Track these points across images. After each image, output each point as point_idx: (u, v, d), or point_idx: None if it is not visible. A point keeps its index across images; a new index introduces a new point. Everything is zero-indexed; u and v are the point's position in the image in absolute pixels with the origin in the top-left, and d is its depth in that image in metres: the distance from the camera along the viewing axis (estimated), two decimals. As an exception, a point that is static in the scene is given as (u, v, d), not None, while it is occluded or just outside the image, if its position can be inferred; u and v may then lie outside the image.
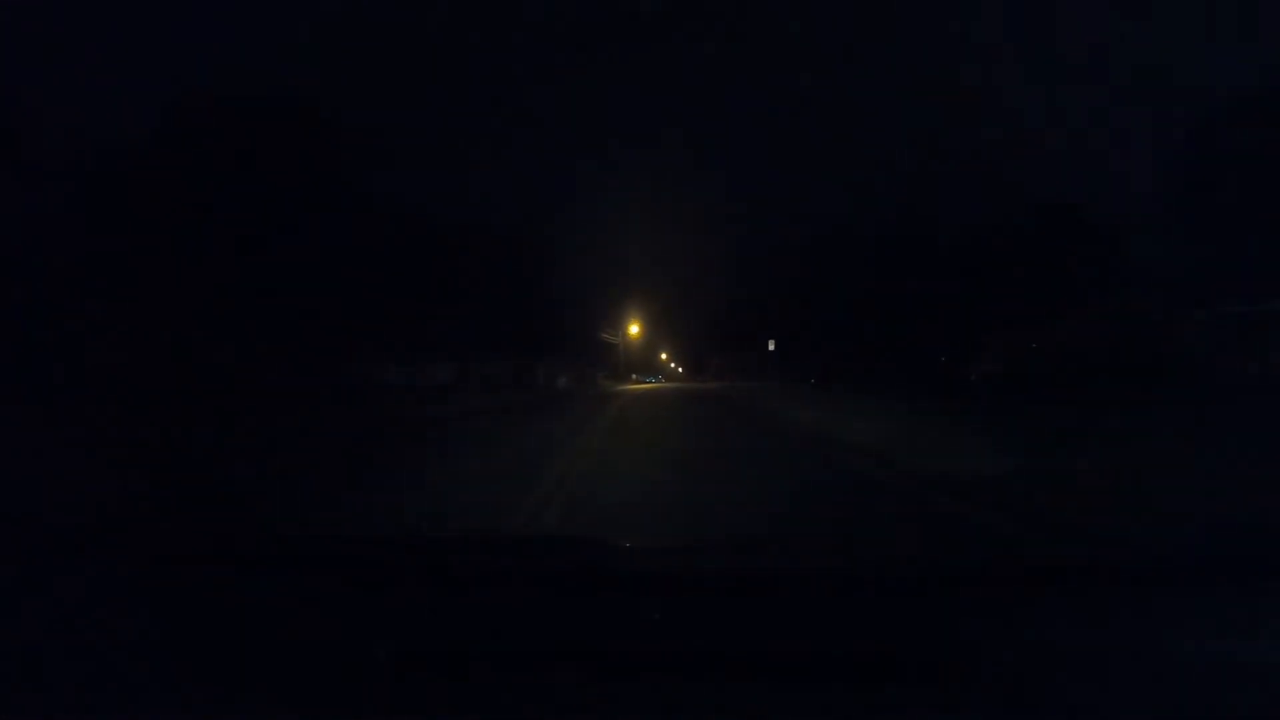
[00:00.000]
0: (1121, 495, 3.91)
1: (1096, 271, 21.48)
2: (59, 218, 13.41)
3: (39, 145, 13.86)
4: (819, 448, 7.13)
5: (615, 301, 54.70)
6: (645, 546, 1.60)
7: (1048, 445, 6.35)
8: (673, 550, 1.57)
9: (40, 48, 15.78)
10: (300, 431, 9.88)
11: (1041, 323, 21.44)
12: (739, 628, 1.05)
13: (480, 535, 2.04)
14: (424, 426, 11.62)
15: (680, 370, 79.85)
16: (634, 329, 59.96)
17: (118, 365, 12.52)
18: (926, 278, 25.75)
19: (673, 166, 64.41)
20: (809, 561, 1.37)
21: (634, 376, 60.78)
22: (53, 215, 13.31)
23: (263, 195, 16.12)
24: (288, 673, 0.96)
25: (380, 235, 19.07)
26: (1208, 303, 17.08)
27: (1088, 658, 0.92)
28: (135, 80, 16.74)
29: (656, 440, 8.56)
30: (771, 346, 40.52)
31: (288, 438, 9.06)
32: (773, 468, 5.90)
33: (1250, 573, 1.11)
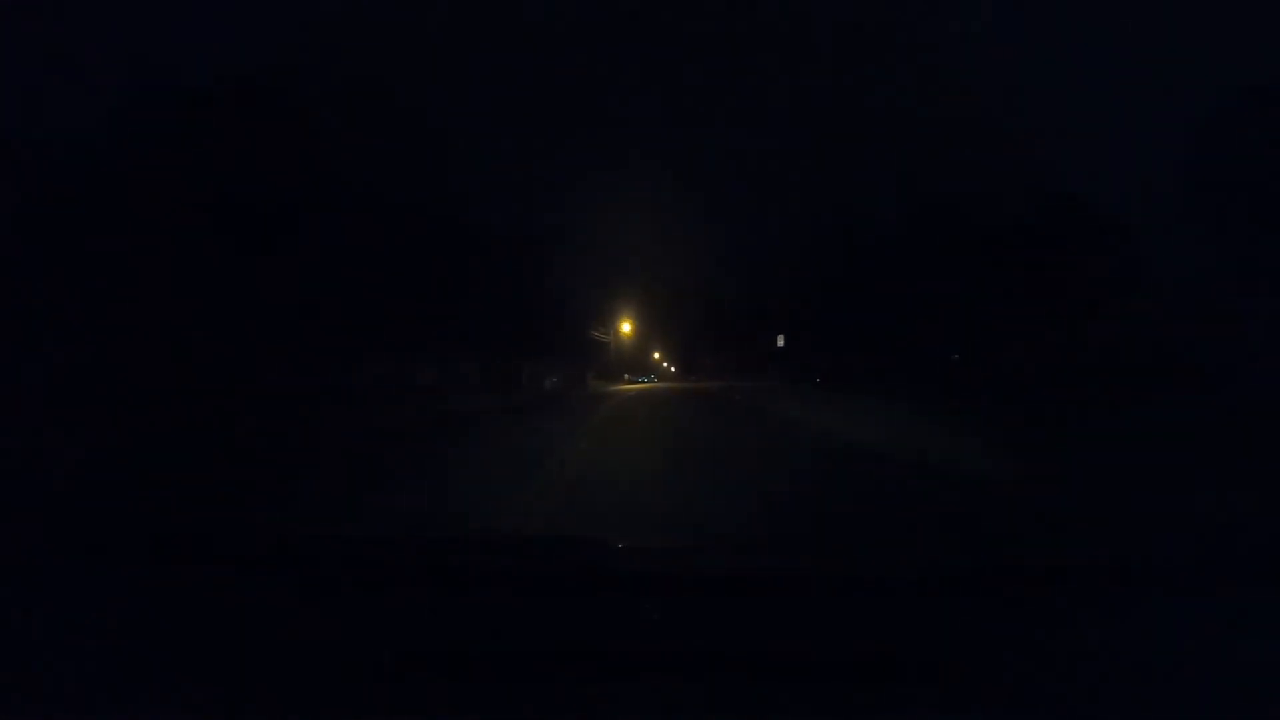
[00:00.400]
0: (1123, 495, 3.91)
1: (1105, 272, 21.36)
2: (57, 216, 13.39)
3: (36, 143, 13.85)
4: (820, 447, 7.14)
5: (608, 299, 53.51)
6: (645, 547, 1.59)
7: (1052, 445, 6.36)
8: (673, 550, 1.58)
9: (38, 44, 15.76)
10: (296, 431, 9.87)
11: (1049, 323, 21.41)
12: (739, 628, 1.05)
13: (480, 535, 2.03)
14: (419, 428, 11.60)
15: (673, 370, 78.77)
16: (626, 327, 57.78)
17: (117, 365, 12.51)
18: (932, 277, 25.66)
19: (671, 166, 64.10)
20: (809, 561, 1.37)
21: (626, 376, 58.71)
22: (51, 214, 13.30)
23: (262, 194, 16.10)
24: (288, 673, 0.96)
25: (378, 234, 19.02)
26: (1219, 302, 17.02)
27: (1088, 658, 0.92)
28: (134, 78, 16.65)
29: (659, 440, 8.55)
30: (781, 342, 40.50)
31: (285, 437, 9.05)
32: (774, 470, 5.90)
33: (1250, 573, 1.11)
